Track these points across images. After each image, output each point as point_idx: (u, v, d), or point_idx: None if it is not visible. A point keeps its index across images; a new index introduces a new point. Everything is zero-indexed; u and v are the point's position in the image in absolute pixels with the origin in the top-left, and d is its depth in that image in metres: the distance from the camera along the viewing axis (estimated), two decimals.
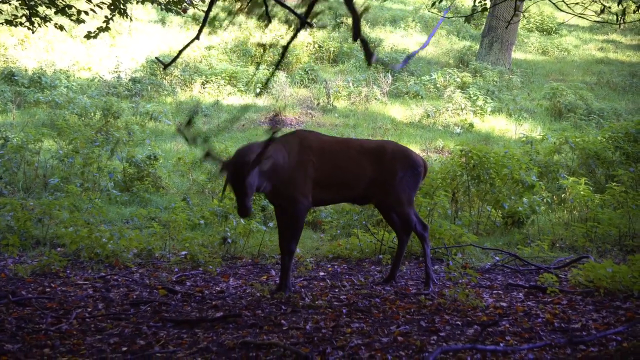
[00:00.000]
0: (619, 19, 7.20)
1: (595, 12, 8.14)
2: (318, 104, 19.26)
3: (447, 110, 18.69)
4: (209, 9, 6.33)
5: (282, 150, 6.82)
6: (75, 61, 20.10)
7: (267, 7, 6.38)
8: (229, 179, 6.47)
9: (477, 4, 8.27)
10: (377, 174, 7.18)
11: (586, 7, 7.67)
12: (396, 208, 7.31)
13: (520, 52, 25.00)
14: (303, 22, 6.00)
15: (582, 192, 10.28)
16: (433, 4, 7.65)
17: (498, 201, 10.43)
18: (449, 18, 23.21)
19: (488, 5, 8.51)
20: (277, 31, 20.92)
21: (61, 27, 9.64)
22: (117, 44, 21.50)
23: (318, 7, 4.75)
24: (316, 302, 6.71)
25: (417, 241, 7.60)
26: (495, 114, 19.11)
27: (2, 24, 9.71)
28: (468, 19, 8.40)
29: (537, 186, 10.69)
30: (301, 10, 5.82)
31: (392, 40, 24.61)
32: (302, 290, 7.26)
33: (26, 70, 18.94)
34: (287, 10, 5.67)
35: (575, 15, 8.13)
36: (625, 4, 6.95)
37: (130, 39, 22.19)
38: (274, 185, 6.77)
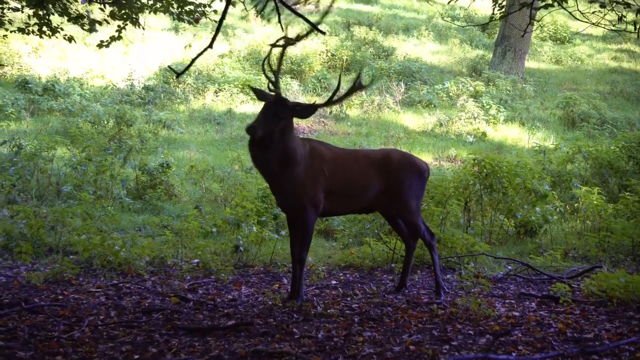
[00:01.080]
0: (637, 28, 7.15)
1: (611, 21, 8.08)
2: (331, 112, 19.23)
3: (460, 119, 18.67)
4: (222, 18, 6.37)
5: (301, 146, 6.82)
6: (88, 69, 20.18)
7: (279, 14, 6.42)
8: (266, 103, 6.56)
9: (495, 12, 8.22)
10: (386, 184, 7.18)
11: (604, 16, 7.60)
12: (405, 216, 7.32)
13: (533, 61, 24.95)
14: (315, 29, 6.04)
15: (595, 202, 10.24)
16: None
17: (511, 210, 10.40)
18: (462, 27, 23.16)
19: (498, 17, 8.47)
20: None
21: (70, 39, 9.63)
22: (130, 51, 21.54)
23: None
24: (328, 311, 6.71)
25: (427, 250, 7.61)
26: (508, 123, 19.07)
27: (14, 32, 9.73)
28: (484, 26, 8.38)
29: (550, 195, 10.66)
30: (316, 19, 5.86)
31: (404, 49, 24.59)
32: (314, 298, 7.26)
33: (40, 78, 19.00)
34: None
35: (592, 25, 8.09)
36: None
37: (143, 47, 22.24)
38: (281, 174, 6.72)
